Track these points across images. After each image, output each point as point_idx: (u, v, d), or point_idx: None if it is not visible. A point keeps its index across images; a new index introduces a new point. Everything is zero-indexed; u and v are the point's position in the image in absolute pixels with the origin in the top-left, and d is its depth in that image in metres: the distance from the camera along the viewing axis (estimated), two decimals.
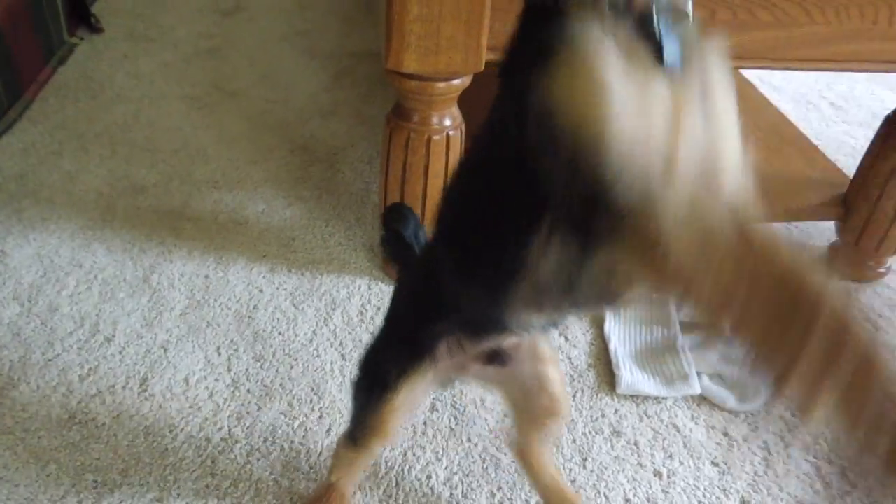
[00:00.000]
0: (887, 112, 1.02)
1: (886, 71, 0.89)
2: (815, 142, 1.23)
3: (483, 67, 0.83)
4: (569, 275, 0.44)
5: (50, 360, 0.85)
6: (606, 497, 0.77)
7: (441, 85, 0.84)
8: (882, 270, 1.10)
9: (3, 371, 0.83)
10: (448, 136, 0.89)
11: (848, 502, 0.79)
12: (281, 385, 0.85)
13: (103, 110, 1.30)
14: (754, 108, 1.33)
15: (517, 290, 0.47)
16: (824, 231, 1.15)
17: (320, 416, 0.82)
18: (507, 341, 0.61)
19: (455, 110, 0.89)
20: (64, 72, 1.39)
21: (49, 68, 1.37)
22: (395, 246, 0.70)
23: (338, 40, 1.60)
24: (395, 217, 0.72)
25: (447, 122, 0.89)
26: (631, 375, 0.89)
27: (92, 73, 1.40)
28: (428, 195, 0.92)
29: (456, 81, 0.85)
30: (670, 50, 0.42)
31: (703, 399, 0.89)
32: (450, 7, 0.77)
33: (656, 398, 0.88)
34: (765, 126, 1.28)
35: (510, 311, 0.51)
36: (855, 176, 1.07)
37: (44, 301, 0.92)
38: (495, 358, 0.63)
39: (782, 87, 1.60)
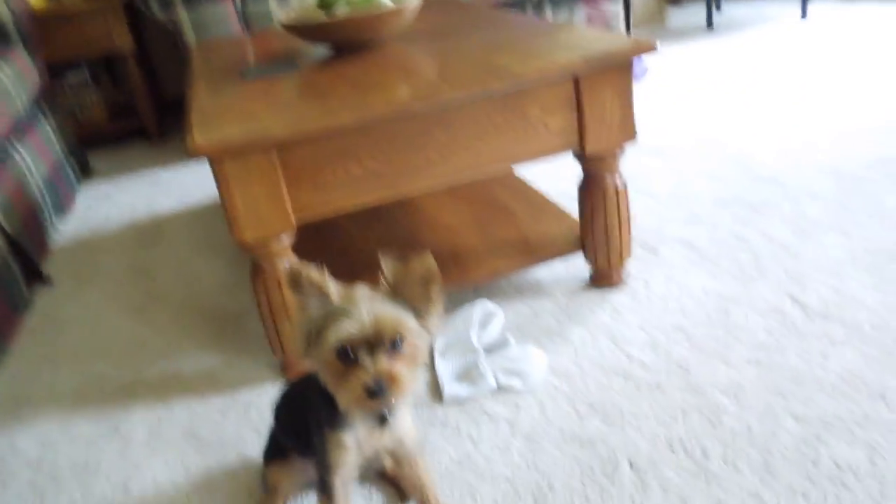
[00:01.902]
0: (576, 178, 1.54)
1: (547, 157, 1.41)
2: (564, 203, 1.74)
3: (295, 226, 1.31)
4: None
5: (59, 493, 1.23)
6: (437, 461, 1.17)
7: (273, 244, 1.31)
8: (622, 276, 1.58)
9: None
10: None
11: (590, 420, 1.21)
12: (218, 463, 1.25)
13: (65, 336, 1.74)
14: (527, 196, 1.86)
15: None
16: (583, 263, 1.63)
17: (247, 472, 1.21)
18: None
19: (292, 257, 1.36)
20: (30, 318, 1.84)
21: (17, 317, 1.82)
22: None
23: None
24: None
25: (286, 265, 1.35)
26: (451, 388, 1.32)
27: (52, 314, 1.85)
28: (290, 314, 1.37)
29: (283, 238, 1.32)
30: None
31: (501, 389, 1.31)
32: (261, 196, 1.26)
33: (471, 398, 1.30)
34: (532, 205, 1.80)
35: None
36: (580, 223, 1.57)
37: (47, 463, 1.31)
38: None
39: (569, 175, 2.14)
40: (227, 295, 1.81)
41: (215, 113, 1.33)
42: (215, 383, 1.47)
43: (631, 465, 1.10)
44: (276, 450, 1.10)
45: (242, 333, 1.63)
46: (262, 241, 1.29)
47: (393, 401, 0.86)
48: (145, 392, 1.48)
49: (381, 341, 0.84)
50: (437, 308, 0.90)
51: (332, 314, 0.85)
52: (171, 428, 1.36)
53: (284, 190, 1.26)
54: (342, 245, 1.76)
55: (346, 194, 1.31)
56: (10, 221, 1.97)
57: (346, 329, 0.83)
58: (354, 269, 1.63)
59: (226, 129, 1.22)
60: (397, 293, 0.87)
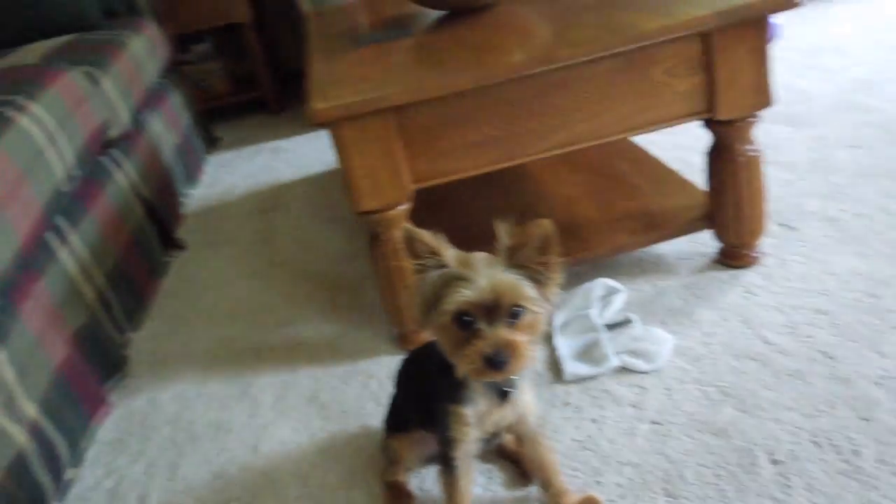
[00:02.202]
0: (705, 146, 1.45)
1: (674, 124, 1.33)
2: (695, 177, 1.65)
3: (413, 194, 1.30)
4: None
5: (196, 449, 1.30)
6: (559, 441, 1.15)
7: (391, 212, 1.31)
8: (755, 255, 1.48)
9: (170, 461, 1.29)
10: None
11: (724, 406, 1.15)
12: (341, 430, 1.28)
13: (197, 299, 1.83)
14: (648, 167, 1.78)
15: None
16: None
17: (368, 441, 1.24)
18: None
19: (409, 225, 1.36)
20: (167, 280, 1.95)
21: (156, 279, 1.94)
22: None
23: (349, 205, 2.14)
24: None
25: (403, 230, 1.35)
26: (572, 367, 1.29)
27: (185, 277, 1.96)
28: (406, 286, 1.37)
29: (401, 207, 1.32)
30: None
31: (624, 369, 1.27)
32: (379, 164, 1.26)
33: (593, 377, 1.27)
34: (655, 176, 1.72)
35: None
36: (709, 197, 1.49)
37: (185, 419, 1.39)
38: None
39: (692, 145, 2.03)
40: (346, 263, 1.85)
41: (333, 80, 1.34)
42: (335, 351, 1.50)
43: (772, 459, 1.04)
44: (398, 421, 1.12)
45: (361, 302, 1.66)
46: (380, 209, 1.29)
47: (512, 371, 0.84)
48: (271, 356, 1.53)
49: (500, 309, 0.82)
50: (556, 276, 0.86)
51: (450, 279, 0.84)
52: (296, 393, 1.40)
53: (402, 156, 1.26)
54: (456, 214, 1.75)
55: (463, 161, 1.29)
56: (147, 189, 2.09)
57: (465, 295, 0.82)
58: (468, 238, 1.61)
59: (344, 95, 1.22)
60: (514, 260, 0.84)
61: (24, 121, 1.46)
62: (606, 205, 1.65)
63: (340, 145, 1.24)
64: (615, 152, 1.88)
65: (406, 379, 1.10)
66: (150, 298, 1.86)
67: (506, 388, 0.93)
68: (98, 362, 1.51)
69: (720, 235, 1.49)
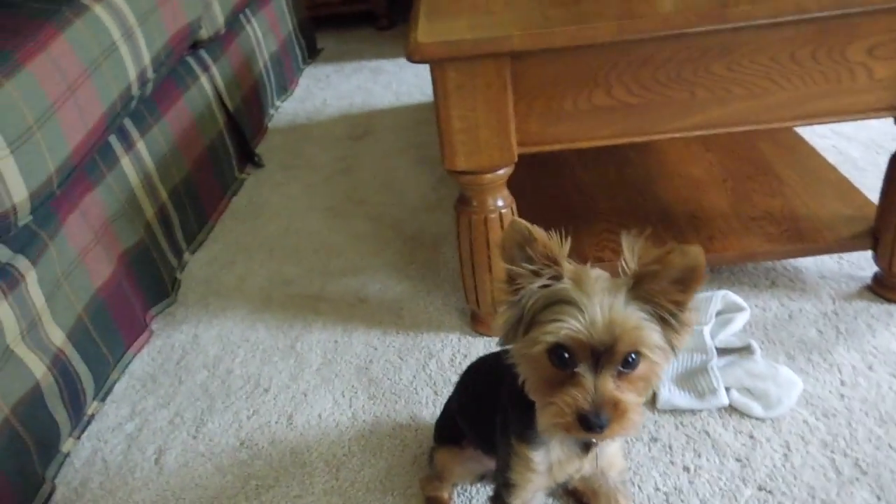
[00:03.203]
0: None
1: (860, 118, 1.04)
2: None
3: (516, 159, 1.09)
4: None
5: (227, 406, 1.17)
6: (639, 487, 0.95)
7: (488, 176, 1.10)
8: None
9: (198, 415, 1.16)
10: (501, 215, 1.14)
11: (856, 488, 0.91)
12: (387, 415, 1.12)
13: (263, 227, 1.69)
14: (800, 157, 1.47)
15: None
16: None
17: (416, 436, 1.07)
18: None
19: (505, 192, 1.15)
20: (236, 200, 1.82)
21: (226, 199, 1.80)
22: None
23: None
24: None
25: (500, 203, 1.14)
26: (668, 393, 1.06)
27: (256, 199, 1.82)
28: (492, 261, 1.17)
29: (500, 171, 1.10)
30: None
31: (732, 409, 1.04)
32: (483, 119, 1.05)
33: (692, 411, 1.05)
34: (808, 171, 1.42)
35: None
36: (878, 210, 1.19)
37: (223, 367, 1.26)
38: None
39: (854, 135, 1.70)
40: (428, 214, 1.66)
41: (445, 6, 1.11)
42: (399, 317, 1.33)
43: None
44: (451, 431, 0.93)
45: (437, 264, 1.47)
46: (476, 170, 1.08)
47: (609, 436, 0.64)
48: (327, 309, 1.38)
49: (613, 354, 0.62)
50: (690, 320, 0.65)
51: (556, 299, 0.63)
52: (346, 358, 1.24)
53: (511, 113, 1.04)
54: (561, 185, 1.51)
55: (583, 128, 1.06)
56: (233, 97, 1.94)
57: (572, 327, 0.61)
58: (573, 217, 1.40)
59: (454, 29, 1.00)
60: (642, 291, 0.63)
61: (97, 9, 1.31)
62: (742, 198, 1.37)
63: (441, 89, 1.03)
64: (763, 132, 1.58)
65: (469, 389, 0.91)
66: (216, 218, 1.73)
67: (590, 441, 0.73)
68: (147, 285, 1.39)
69: (881, 260, 1.21)
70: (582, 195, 1.46)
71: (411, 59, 0.99)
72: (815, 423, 1.01)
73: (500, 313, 0.68)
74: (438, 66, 1.01)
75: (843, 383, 1.07)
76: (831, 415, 1.02)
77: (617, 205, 1.41)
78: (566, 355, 0.63)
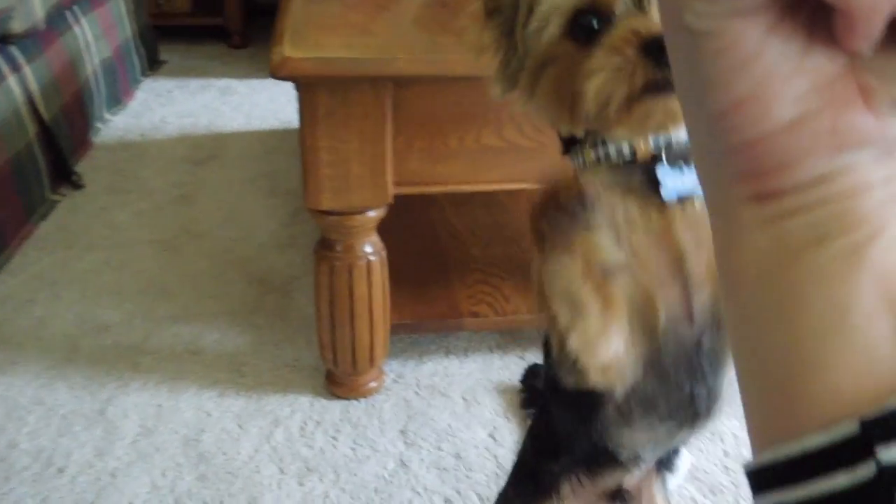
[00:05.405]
0: None
1: None
2: None
3: (391, 200, 0.94)
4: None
5: (4, 494, 0.91)
6: None
7: (358, 217, 0.95)
8: None
9: None
10: (369, 263, 0.99)
11: None
12: (220, 501, 0.91)
13: (76, 259, 1.42)
14: None
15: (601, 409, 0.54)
16: None
17: None
18: (627, 479, 0.64)
19: (374, 238, 1.00)
20: (44, 226, 1.52)
21: (31, 223, 1.51)
22: (530, 396, 1.00)
23: (298, 179, 1.75)
24: (531, 375, 1.03)
25: (368, 250, 0.99)
26: None
27: (70, 226, 1.53)
28: (355, 316, 1.01)
29: (371, 213, 0.96)
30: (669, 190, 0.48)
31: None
32: (356, 152, 0.90)
33: None
34: None
35: (603, 429, 0.56)
36: None
37: (4, 439, 0.99)
38: (617, 497, 0.66)
39: None
40: (279, 253, 1.46)
41: (315, 22, 0.95)
42: (239, 374, 1.12)
43: None
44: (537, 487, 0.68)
45: (287, 311, 1.28)
46: (344, 210, 0.92)
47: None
48: (150, 365, 1.14)
49: None
50: None
51: None
52: (171, 427, 1.02)
53: (389, 147, 0.90)
54: (431, 229, 1.38)
55: (470, 170, 0.94)
56: (50, 105, 1.65)
57: None
58: (444, 265, 1.26)
59: (328, 45, 0.85)
60: None
61: None
62: None
63: (309, 114, 0.87)
64: None
65: (543, 413, 0.72)
66: (16, 245, 1.43)
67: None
68: None
69: None
70: (455, 240, 1.34)
71: (275, 76, 0.83)
72: (701, 499, 0.93)
73: (491, 61, 0.52)
74: (308, 87, 0.86)
75: (726, 453, 1.00)
76: (720, 490, 0.94)
77: (492, 252, 1.30)
78: (594, 21, 0.45)
